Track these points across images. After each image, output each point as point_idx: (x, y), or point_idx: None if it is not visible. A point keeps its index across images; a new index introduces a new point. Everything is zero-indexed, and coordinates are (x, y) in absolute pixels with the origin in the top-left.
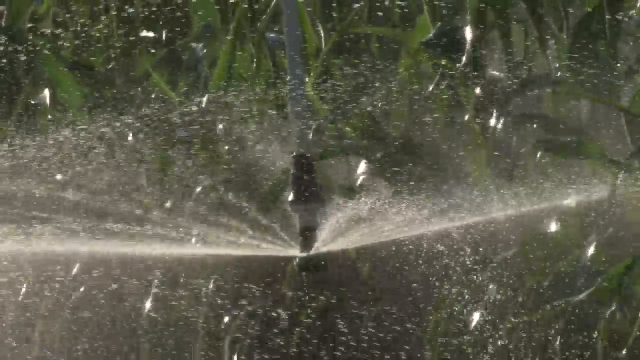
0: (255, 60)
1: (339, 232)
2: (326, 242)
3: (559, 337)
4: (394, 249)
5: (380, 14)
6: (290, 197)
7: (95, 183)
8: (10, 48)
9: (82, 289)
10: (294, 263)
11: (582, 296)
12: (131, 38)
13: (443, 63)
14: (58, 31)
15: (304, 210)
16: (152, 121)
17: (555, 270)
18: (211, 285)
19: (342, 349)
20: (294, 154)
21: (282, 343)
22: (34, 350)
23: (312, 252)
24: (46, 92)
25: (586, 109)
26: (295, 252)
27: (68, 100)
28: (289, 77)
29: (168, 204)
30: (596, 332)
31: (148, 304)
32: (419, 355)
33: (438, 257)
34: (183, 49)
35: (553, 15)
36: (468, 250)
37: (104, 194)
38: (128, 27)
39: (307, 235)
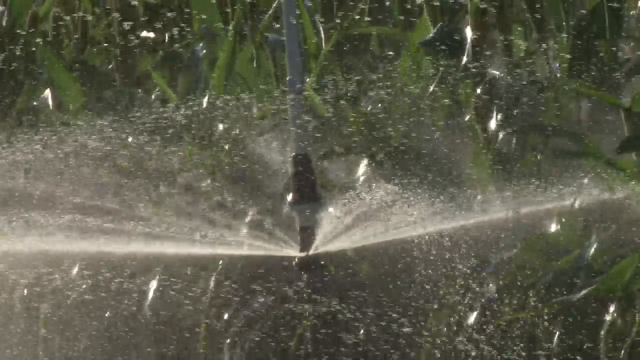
0: (255, 60)
1: (338, 232)
2: (325, 241)
3: (560, 336)
4: (393, 248)
5: (380, 15)
6: (290, 196)
7: (96, 182)
8: (10, 48)
9: (83, 288)
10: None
11: (582, 294)
12: (132, 38)
13: (443, 63)
14: (58, 31)
15: (303, 210)
16: (152, 120)
17: (555, 270)
18: (211, 284)
19: (342, 348)
20: (294, 153)
21: (282, 342)
22: (35, 350)
23: (311, 251)
24: (47, 92)
25: (585, 111)
26: (294, 251)
27: (68, 100)
28: (288, 77)
29: (168, 203)
30: (597, 332)
31: (148, 303)
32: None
33: (438, 257)
34: (184, 49)
35: (553, 15)
36: (468, 250)
37: (104, 193)
38: (129, 27)
39: (306, 235)
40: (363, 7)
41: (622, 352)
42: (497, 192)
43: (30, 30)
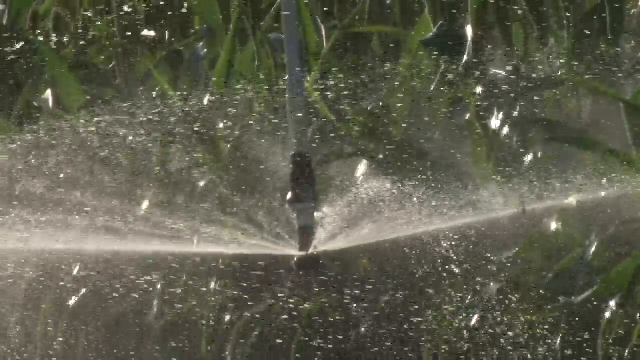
0: (257, 59)
1: (337, 231)
2: (325, 241)
3: (561, 336)
4: (392, 248)
5: (381, 14)
6: (289, 196)
7: (95, 181)
8: (10, 47)
9: (83, 288)
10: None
11: (585, 295)
12: (132, 37)
13: (444, 62)
14: (59, 30)
15: (302, 209)
16: (152, 119)
17: (556, 269)
18: (213, 285)
19: (341, 348)
20: (293, 153)
21: (282, 342)
22: (36, 350)
23: (310, 251)
24: (48, 92)
25: (587, 109)
26: (293, 251)
27: (69, 99)
28: (287, 76)
29: (167, 202)
30: (599, 331)
31: (147, 303)
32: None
33: (438, 256)
34: (184, 48)
35: (554, 13)
36: (468, 249)
37: (103, 192)
38: (129, 26)
39: (305, 234)
40: (364, 5)
41: (626, 352)
42: (498, 190)
43: (31, 29)
